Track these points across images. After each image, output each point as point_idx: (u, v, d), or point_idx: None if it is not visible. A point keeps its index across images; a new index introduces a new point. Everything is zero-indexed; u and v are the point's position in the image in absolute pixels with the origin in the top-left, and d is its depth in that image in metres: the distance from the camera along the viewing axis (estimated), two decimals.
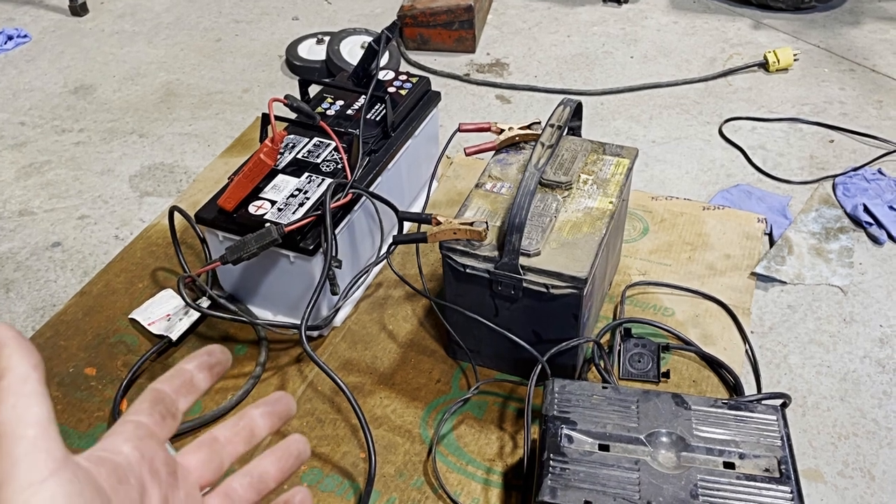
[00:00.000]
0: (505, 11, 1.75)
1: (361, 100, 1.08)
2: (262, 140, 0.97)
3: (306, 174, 0.97)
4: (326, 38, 1.56)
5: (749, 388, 0.91)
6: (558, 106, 0.91)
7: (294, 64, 1.54)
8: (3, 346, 0.28)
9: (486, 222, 0.84)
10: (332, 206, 0.90)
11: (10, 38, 1.68)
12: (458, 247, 0.84)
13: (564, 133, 0.90)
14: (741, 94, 1.45)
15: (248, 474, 0.36)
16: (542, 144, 0.86)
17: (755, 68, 1.51)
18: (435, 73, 1.53)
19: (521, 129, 0.96)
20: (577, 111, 0.96)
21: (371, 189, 0.98)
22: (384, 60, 1.49)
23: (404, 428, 0.88)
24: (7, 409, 0.27)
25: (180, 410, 0.34)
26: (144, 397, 0.33)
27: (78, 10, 1.78)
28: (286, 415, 0.38)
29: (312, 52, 1.55)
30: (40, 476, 0.26)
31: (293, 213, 0.92)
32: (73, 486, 0.26)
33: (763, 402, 0.82)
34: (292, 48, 1.57)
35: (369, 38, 1.53)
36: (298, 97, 1.04)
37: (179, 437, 0.86)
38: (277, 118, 0.96)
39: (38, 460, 0.26)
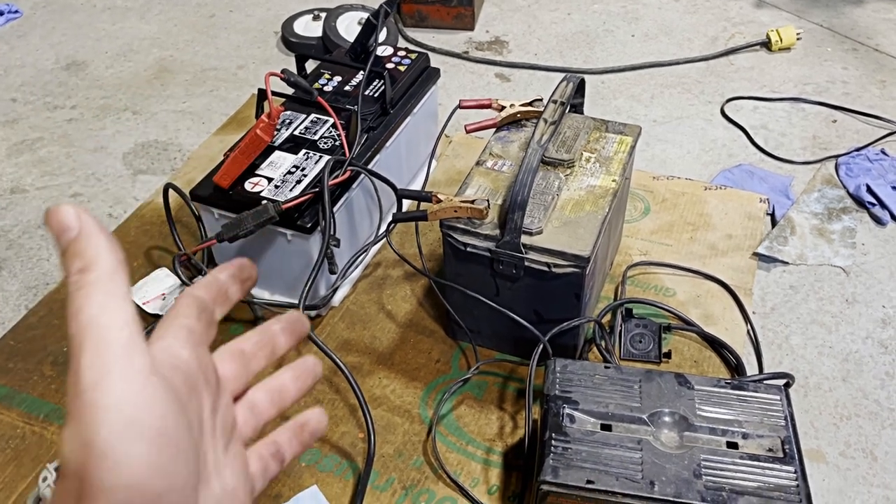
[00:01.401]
0: None
1: (359, 76, 1.06)
2: (258, 116, 0.95)
3: (303, 151, 0.96)
4: (323, 14, 1.53)
5: (750, 369, 0.91)
6: (561, 82, 0.90)
7: (290, 40, 1.51)
8: (88, 233, 0.26)
9: (488, 200, 0.82)
10: (330, 183, 0.88)
11: (0, 13, 1.65)
12: (459, 225, 0.83)
13: (567, 110, 0.88)
14: (743, 73, 1.43)
15: (270, 389, 0.36)
16: (545, 121, 0.85)
17: (757, 47, 1.49)
18: (433, 50, 1.50)
19: (522, 106, 0.95)
20: (580, 88, 0.94)
21: (369, 167, 0.96)
22: (382, 37, 1.46)
23: (403, 408, 0.88)
24: (96, 306, 0.25)
25: (217, 322, 0.33)
26: (189, 303, 0.32)
27: None
28: (302, 334, 0.37)
29: (309, 28, 1.53)
30: (137, 380, 0.25)
31: (290, 190, 0.90)
32: (166, 392, 0.26)
33: (766, 382, 0.81)
34: (288, 24, 1.54)
35: (366, 14, 1.50)
36: (295, 72, 1.02)
37: None
38: (274, 94, 0.94)
39: (133, 364, 0.25)
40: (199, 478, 0.28)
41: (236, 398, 0.34)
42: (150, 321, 0.97)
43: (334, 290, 0.95)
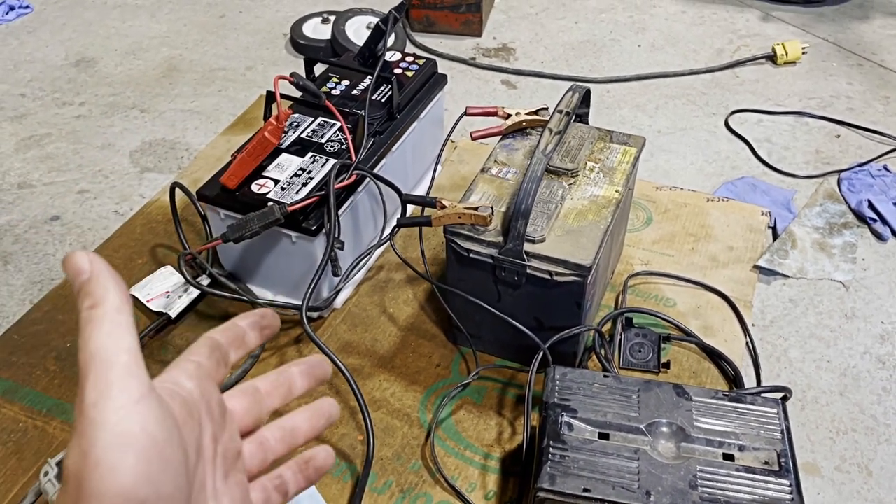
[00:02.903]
0: None
1: (367, 80, 1.07)
2: (265, 118, 0.96)
3: (310, 154, 0.96)
4: (332, 17, 1.54)
5: (749, 381, 0.91)
6: (567, 92, 0.90)
7: (298, 42, 1.52)
8: (98, 275, 0.30)
9: (492, 207, 0.83)
10: (336, 186, 0.89)
11: (11, 8, 1.66)
12: (463, 231, 0.84)
13: (572, 120, 0.89)
14: (748, 86, 1.44)
15: (282, 427, 0.38)
16: (550, 130, 0.85)
17: (763, 60, 1.50)
18: (440, 55, 1.51)
19: (528, 114, 0.95)
20: (586, 98, 0.95)
21: (375, 171, 0.97)
22: (390, 42, 1.47)
23: (403, 411, 0.88)
24: (103, 335, 0.29)
25: (230, 362, 0.36)
26: (203, 343, 0.35)
27: None
28: (322, 378, 0.40)
29: (317, 31, 1.54)
30: (132, 399, 0.28)
31: (296, 192, 0.91)
32: (160, 411, 0.29)
33: (764, 395, 0.82)
34: (297, 26, 1.55)
35: (375, 19, 1.51)
36: (304, 76, 1.03)
37: None
38: (282, 96, 0.95)
39: (130, 385, 0.28)
40: (189, 493, 0.30)
41: (247, 433, 0.37)
42: (153, 318, 0.97)
43: (337, 292, 0.96)
